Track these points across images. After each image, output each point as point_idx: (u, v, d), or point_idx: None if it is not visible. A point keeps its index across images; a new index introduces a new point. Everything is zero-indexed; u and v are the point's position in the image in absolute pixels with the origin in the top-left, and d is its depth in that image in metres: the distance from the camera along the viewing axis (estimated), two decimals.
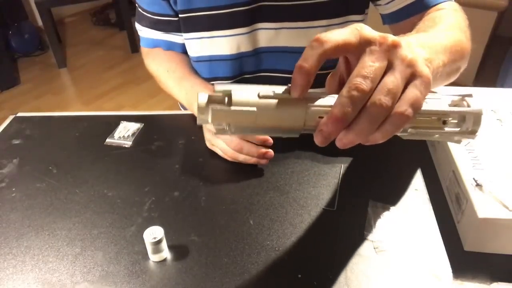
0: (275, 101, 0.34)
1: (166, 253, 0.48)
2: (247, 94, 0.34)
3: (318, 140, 0.33)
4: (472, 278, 0.44)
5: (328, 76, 0.38)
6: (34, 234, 0.52)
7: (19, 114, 0.74)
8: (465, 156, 0.51)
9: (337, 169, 0.59)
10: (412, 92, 0.33)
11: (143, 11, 0.75)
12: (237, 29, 0.68)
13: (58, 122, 0.72)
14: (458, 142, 0.38)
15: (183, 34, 0.72)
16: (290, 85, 0.34)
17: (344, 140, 0.33)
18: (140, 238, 0.49)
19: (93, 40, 3.15)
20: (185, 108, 0.90)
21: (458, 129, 0.36)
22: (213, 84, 0.70)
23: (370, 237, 0.49)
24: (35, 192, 0.58)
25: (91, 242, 0.50)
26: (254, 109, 0.34)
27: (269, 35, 0.69)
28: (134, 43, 2.87)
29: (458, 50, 0.58)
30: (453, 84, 0.57)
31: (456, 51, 0.57)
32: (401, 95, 0.32)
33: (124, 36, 2.96)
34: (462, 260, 0.46)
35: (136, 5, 0.77)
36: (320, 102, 0.34)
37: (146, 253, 0.48)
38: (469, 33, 0.65)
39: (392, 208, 0.53)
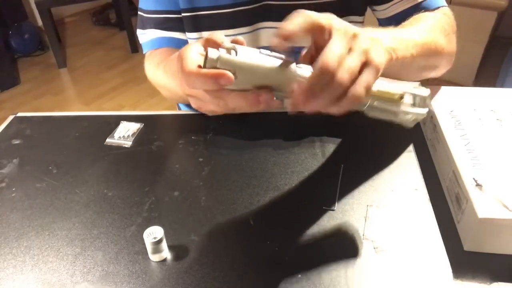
0: (271, 59, 0.42)
1: (166, 253, 0.48)
2: (251, 51, 0.42)
3: (289, 106, 0.42)
4: (472, 278, 0.44)
5: (303, 54, 0.47)
6: (34, 234, 0.52)
7: (19, 114, 0.74)
8: (465, 156, 0.51)
9: (337, 169, 0.59)
10: (366, 77, 0.41)
11: (148, 13, 0.74)
12: (239, 29, 0.68)
13: (58, 122, 0.72)
14: (411, 123, 0.47)
15: (186, 33, 0.72)
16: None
17: (308, 109, 0.41)
18: (140, 238, 0.49)
19: (93, 40, 3.15)
20: (180, 108, 0.90)
21: (411, 104, 0.46)
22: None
23: (370, 237, 0.49)
24: (35, 192, 0.58)
25: (91, 242, 0.50)
26: (254, 61, 0.41)
27: (271, 34, 0.69)
28: (134, 43, 2.87)
29: (432, 48, 0.61)
30: (453, 84, 0.57)
31: (429, 49, 0.59)
32: (357, 78, 0.41)
33: (124, 36, 2.96)
34: (462, 260, 0.46)
35: (139, 12, 0.76)
36: (301, 72, 0.43)
37: (146, 253, 0.48)
38: (454, 38, 0.68)
39: (392, 208, 0.53)
